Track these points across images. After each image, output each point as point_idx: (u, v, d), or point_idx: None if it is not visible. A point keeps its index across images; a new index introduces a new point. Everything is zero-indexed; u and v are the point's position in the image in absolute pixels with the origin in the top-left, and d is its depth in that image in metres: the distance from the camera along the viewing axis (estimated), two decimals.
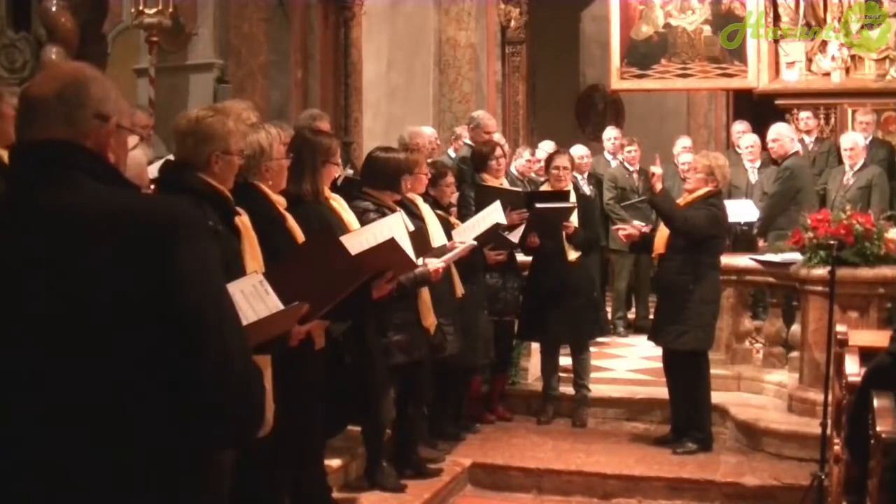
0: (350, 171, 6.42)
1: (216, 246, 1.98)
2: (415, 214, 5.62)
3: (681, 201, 6.57)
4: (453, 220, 6.39)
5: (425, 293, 5.54)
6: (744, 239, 9.14)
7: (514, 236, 6.68)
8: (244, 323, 2.83)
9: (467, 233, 6.12)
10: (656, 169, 6.66)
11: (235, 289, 2.97)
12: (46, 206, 1.89)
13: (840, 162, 9.19)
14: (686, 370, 6.49)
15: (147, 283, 1.83)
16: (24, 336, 1.83)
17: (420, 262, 5.33)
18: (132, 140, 2.12)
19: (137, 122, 6.42)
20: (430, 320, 5.58)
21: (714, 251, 6.50)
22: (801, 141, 10.04)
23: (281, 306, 3.00)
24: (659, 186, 6.57)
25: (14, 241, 1.88)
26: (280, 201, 4.14)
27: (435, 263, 5.39)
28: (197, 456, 1.95)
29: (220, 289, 1.95)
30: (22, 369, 1.83)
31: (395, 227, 4.51)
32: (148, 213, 1.91)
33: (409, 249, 4.43)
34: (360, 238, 4.27)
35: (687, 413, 6.57)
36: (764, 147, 9.68)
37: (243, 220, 3.54)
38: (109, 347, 1.83)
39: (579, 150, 9.57)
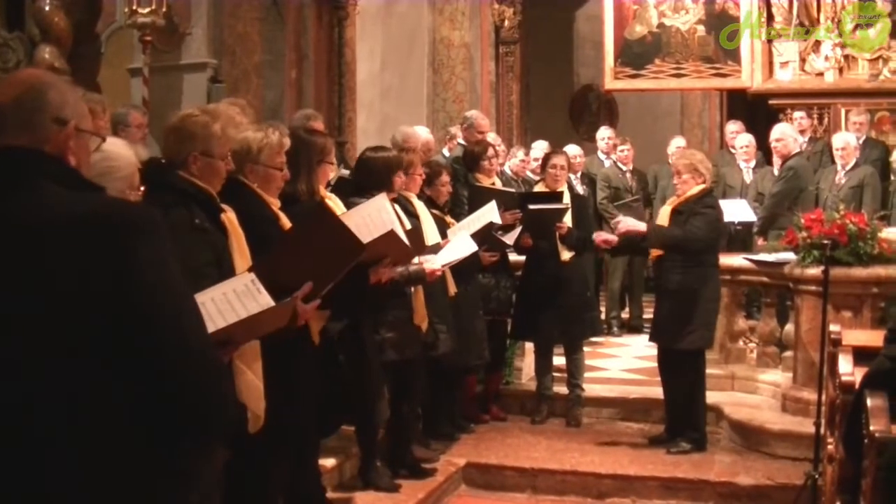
0: (345, 171, 6.40)
1: (173, 245, 2.03)
2: (411, 213, 5.62)
3: (671, 203, 6.57)
4: (449, 219, 6.39)
5: (419, 291, 5.54)
6: (738, 238, 9.15)
7: (510, 238, 6.67)
8: (236, 320, 2.83)
9: (462, 232, 6.12)
10: (625, 221, 6.70)
11: (228, 287, 2.97)
12: (6, 211, 1.91)
13: (833, 161, 9.21)
14: (685, 370, 6.49)
15: (106, 282, 1.86)
16: None
17: (417, 260, 5.35)
18: (94, 141, 2.16)
19: (132, 121, 6.40)
20: (421, 317, 5.58)
21: (714, 250, 6.54)
22: (794, 140, 10.06)
23: (273, 304, 3.00)
24: (642, 229, 6.55)
25: None
26: (273, 202, 4.11)
27: (433, 265, 5.40)
28: (166, 455, 1.97)
29: (178, 286, 1.99)
30: None
31: (382, 209, 4.52)
32: (106, 215, 1.94)
33: (402, 233, 4.44)
34: (349, 222, 4.26)
35: (682, 413, 6.57)
36: (759, 147, 9.71)
37: (229, 217, 3.52)
38: (73, 348, 1.86)
39: (572, 150, 9.58)
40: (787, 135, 8.93)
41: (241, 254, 3.47)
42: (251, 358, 3.32)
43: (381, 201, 4.68)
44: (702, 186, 6.40)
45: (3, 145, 1.96)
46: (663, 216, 6.55)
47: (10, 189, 1.93)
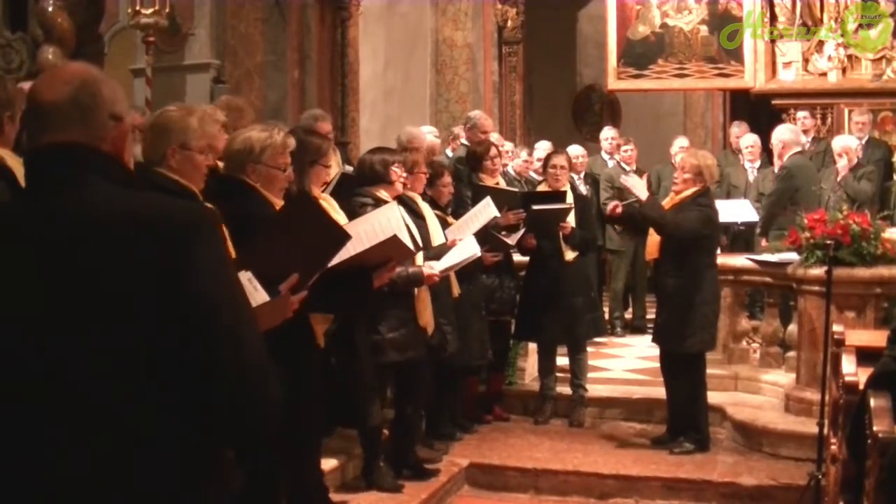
0: (349, 168, 6.42)
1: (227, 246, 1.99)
2: (415, 213, 5.63)
3: (668, 202, 6.58)
4: (450, 219, 6.39)
5: (424, 292, 5.53)
6: (741, 239, 9.15)
7: (513, 238, 6.66)
8: None
9: (461, 230, 6.12)
10: (630, 181, 6.71)
11: None
12: (67, 212, 1.89)
13: (835, 162, 9.20)
14: (685, 372, 6.48)
15: (165, 284, 1.83)
16: (44, 337, 1.84)
17: (420, 261, 5.35)
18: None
19: (131, 121, 6.41)
20: (426, 319, 5.57)
21: (708, 251, 6.48)
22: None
23: (268, 299, 3.00)
24: (644, 195, 6.58)
25: (34, 245, 1.88)
26: (278, 203, 4.10)
27: (433, 269, 5.40)
28: (211, 453, 1.96)
29: (236, 287, 1.97)
30: (41, 370, 1.83)
31: (392, 217, 4.53)
32: (165, 215, 1.91)
33: (408, 240, 4.44)
34: (358, 228, 4.27)
35: (684, 413, 6.57)
36: (764, 147, 9.71)
37: (213, 211, 3.50)
38: (129, 348, 1.83)
39: (575, 150, 9.58)
40: (783, 138, 8.94)
41: (228, 249, 3.45)
42: None
43: (391, 209, 4.69)
44: (698, 188, 6.38)
45: (62, 141, 1.94)
46: None
47: (68, 185, 1.91)
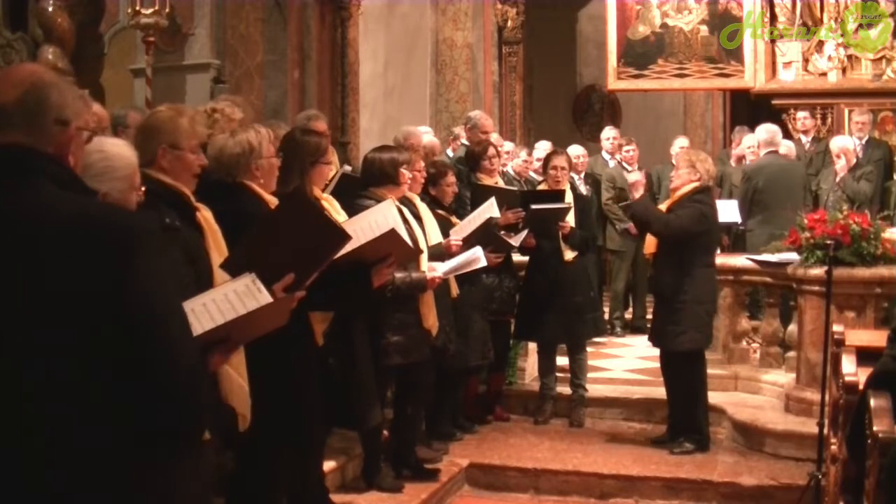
0: (348, 168, 6.40)
1: (168, 251, 2.05)
2: (413, 213, 5.62)
3: (665, 205, 6.59)
4: (454, 219, 6.38)
5: (428, 295, 5.51)
6: (742, 240, 9.17)
7: (516, 239, 6.65)
8: (232, 318, 2.83)
9: (463, 231, 6.11)
10: (633, 177, 6.73)
11: (229, 288, 2.95)
12: (6, 211, 1.92)
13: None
14: (683, 370, 6.49)
15: (102, 287, 1.89)
16: None
17: (425, 267, 5.34)
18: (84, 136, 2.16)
19: (130, 122, 6.40)
20: (430, 322, 5.56)
21: (705, 249, 6.46)
22: (798, 141, 10.07)
23: (271, 300, 2.99)
24: (638, 194, 6.60)
25: None
26: (272, 201, 4.10)
27: (436, 272, 5.39)
28: (151, 456, 2.02)
29: (170, 293, 2.04)
30: None
31: (388, 214, 4.52)
32: (106, 221, 1.96)
33: (405, 236, 4.44)
34: (354, 226, 4.26)
35: (684, 413, 6.57)
36: None
37: (205, 216, 3.48)
38: (63, 347, 1.88)
39: (576, 150, 9.58)
40: (758, 138, 9.12)
41: (219, 251, 3.44)
42: (235, 359, 3.30)
43: (387, 206, 4.68)
44: (695, 185, 6.39)
45: (5, 143, 1.96)
46: None
47: (10, 187, 1.94)
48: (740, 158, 10.27)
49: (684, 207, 6.33)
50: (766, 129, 9.13)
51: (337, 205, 4.80)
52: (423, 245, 5.41)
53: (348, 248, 3.93)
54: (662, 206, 6.67)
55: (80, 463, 1.89)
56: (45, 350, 1.87)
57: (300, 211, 3.62)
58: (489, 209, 6.30)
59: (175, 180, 3.43)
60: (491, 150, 7.09)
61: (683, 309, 6.31)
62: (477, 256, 5.74)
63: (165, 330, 1.96)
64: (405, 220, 5.22)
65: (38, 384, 1.87)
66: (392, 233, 4.28)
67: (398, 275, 5.08)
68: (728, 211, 8.94)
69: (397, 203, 5.25)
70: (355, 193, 5.41)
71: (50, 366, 1.88)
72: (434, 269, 5.44)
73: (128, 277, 1.91)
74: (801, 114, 10.25)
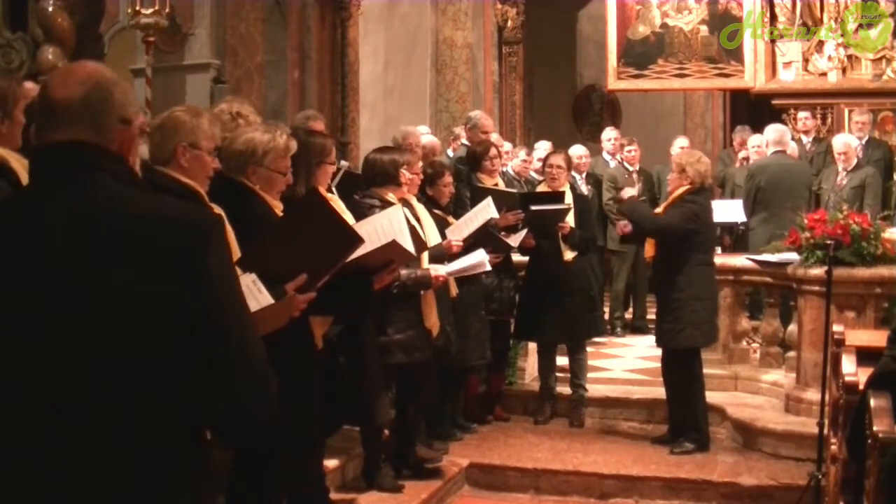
0: (344, 163, 6.42)
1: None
2: (411, 214, 5.62)
3: (661, 208, 6.63)
4: (451, 219, 6.39)
5: (429, 295, 5.53)
6: (744, 240, 9.17)
7: (515, 240, 6.66)
8: None
9: (461, 230, 6.12)
10: (629, 192, 6.83)
11: None
12: (74, 208, 1.90)
13: (836, 161, 9.22)
14: (680, 369, 6.50)
15: (175, 286, 1.85)
16: (49, 337, 1.84)
17: (426, 265, 5.35)
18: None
19: None
20: (432, 321, 5.57)
21: (701, 247, 6.46)
22: (799, 140, 10.07)
23: (272, 301, 2.99)
24: (625, 197, 6.66)
25: (40, 242, 1.88)
26: (276, 205, 4.08)
27: (440, 271, 5.40)
28: (201, 456, 1.98)
29: (241, 293, 2.01)
30: (44, 370, 1.84)
31: (395, 219, 4.52)
32: (176, 218, 1.92)
33: (409, 243, 4.44)
34: (361, 231, 4.26)
35: (683, 413, 6.57)
36: None
37: (219, 215, 3.49)
38: (132, 348, 1.84)
39: (578, 150, 9.58)
40: (767, 138, 9.12)
41: (232, 252, 3.44)
42: None
43: (395, 211, 4.68)
44: (686, 188, 6.41)
45: (70, 139, 1.94)
46: None
47: (77, 182, 1.91)
48: (744, 160, 10.26)
49: (675, 209, 6.39)
50: (776, 129, 9.17)
51: (342, 205, 4.81)
52: (429, 243, 5.42)
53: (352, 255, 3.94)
54: (660, 209, 6.71)
55: (143, 463, 1.86)
56: (113, 350, 1.83)
57: (316, 212, 3.62)
58: (486, 210, 6.31)
59: (192, 179, 3.43)
60: (492, 151, 7.09)
61: (681, 307, 6.34)
62: (482, 261, 5.76)
63: (239, 329, 1.91)
64: (411, 222, 5.23)
65: (106, 386, 1.83)
66: (393, 244, 4.28)
67: (403, 271, 5.11)
68: (731, 210, 8.95)
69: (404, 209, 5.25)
70: (356, 190, 5.44)
71: (118, 367, 1.84)
72: (437, 271, 5.45)
73: (201, 275, 1.86)
74: (802, 114, 10.26)
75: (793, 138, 10.03)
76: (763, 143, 9.50)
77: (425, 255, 5.39)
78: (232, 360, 1.89)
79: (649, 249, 6.67)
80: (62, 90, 1.98)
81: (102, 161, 1.95)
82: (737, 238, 9.45)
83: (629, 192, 6.86)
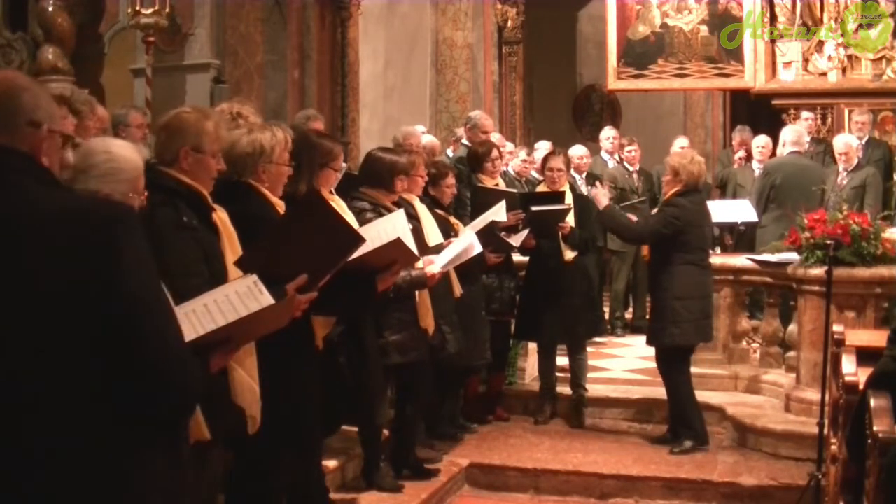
0: (343, 164, 6.41)
1: (148, 241, 2.13)
2: (411, 215, 5.60)
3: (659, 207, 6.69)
4: (453, 220, 6.38)
5: (424, 295, 5.52)
6: (745, 239, 9.16)
7: (516, 240, 6.66)
8: (233, 320, 2.84)
9: (467, 231, 6.10)
10: (595, 191, 6.90)
11: (230, 289, 2.96)
12: None
13: (836, 162, 9.22)
14: (667, 368, 6.54)
15: (90, 278, 1.94)
16: None
17: (420, 264, 5.34)
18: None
19: (132, 121, 6.40)
20: (428, 321, 5.57)
21: (686, 247, 6.43)
22: None
23: (273, 302, 2.99)
24: (603, 203, 6.67)
25: None
26: (279, 204, 4.10)
27: (433, 268, 5.38)
28: (153, 457, 2.09)
29: (157, 280, 2.11)
30: None
31: (398, 224, 4.52)
32: (89, 211, 2.04)
33: (412, 245, 4.44)
34: (365, 234, 4.26)
35: (676, 411, 6.58)
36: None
37: (220, 217, 3.49)
38: (60, 342, 1.93)
39: (579, 151, 9.58)
40: (786, 137, 9.06)
41: (234, 252, 3.44)
42: (243, 358, 3.30)
43: (398, 216, 4.67)
44: (676, 188, 6.42)
45: None
46: None
47: None
48: (742, 160, 10.27)
49: (657, 213, 6.46)
50: (794, 130, 9.21)
51: (344, 206, 4.81)
52: (430, 244, 5.42)
53: (356, 253, 3.94)
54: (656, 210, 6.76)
55: (82, 458, 1.94)
56: (41, 346, 1.92)
57: (316, 212, 3.62)
58: (497, 213, 6.30)
59: (195, 181, 3.44)
60: (494, 152, 7.07)
61: (664, 306, 6.40)
62: (470, 243, 5.70)
63: (156, 313, 2.03)
64: (413, 224, 5.23)
65: (37, 383, 1.91)
66: (398, 241, 4.28)
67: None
68: (739, 210, 8.94)
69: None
70: (351, 194, 5.42)
71: (47, 362, 1.92)
72: (431, 262, 5.42)
73: (117, 266, 1.97)
74: (805, 114, 10.27)
75: None
76: (769, 143, 9.52)
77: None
78: (147, 340, 2.00)
79: (647, 249, 6.69)
80: None
81: (14, 162, 2.04)
82: (739, 237, 9.44)
83: (603, 197, 6.82)
